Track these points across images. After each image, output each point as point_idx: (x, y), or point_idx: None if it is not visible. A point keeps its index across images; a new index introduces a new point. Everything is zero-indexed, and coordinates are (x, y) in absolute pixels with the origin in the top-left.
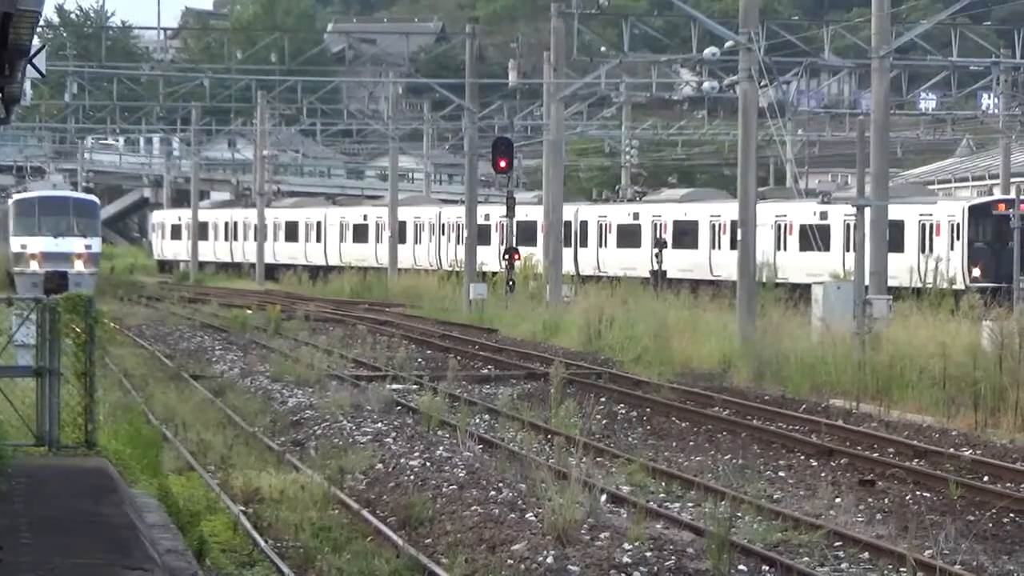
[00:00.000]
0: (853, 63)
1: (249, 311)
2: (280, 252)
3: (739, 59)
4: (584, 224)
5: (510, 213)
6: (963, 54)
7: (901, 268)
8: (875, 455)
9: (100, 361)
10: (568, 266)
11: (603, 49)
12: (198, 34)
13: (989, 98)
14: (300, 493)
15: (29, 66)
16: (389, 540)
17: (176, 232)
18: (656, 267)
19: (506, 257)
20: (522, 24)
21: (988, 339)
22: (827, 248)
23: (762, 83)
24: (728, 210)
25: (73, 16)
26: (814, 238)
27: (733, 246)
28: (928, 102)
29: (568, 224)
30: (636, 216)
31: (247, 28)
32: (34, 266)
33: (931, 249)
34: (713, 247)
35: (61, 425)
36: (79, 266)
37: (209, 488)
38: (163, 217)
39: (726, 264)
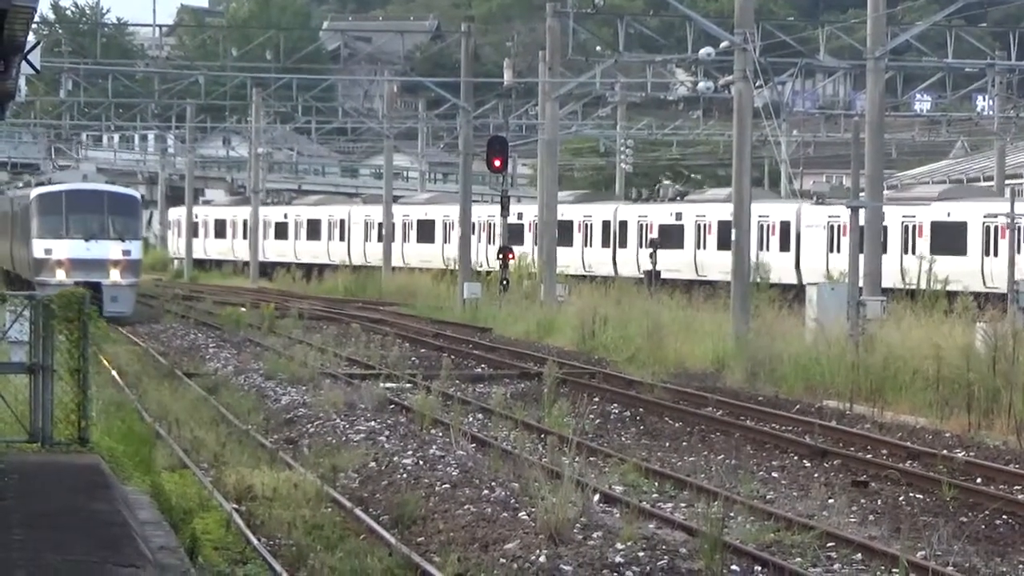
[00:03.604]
0: (848, 64)
1: (243, 309)
2: (302, 251)
3: (734, 59)
4: (624, 224)
5: (504, 212)
6: (958, 56)
7: (963, 272)
8: (868, 456)
9: (93, 358)
10: (607, 268)
11: (598, 49)
12: (193, 31)
13: (984, 100)
14: (293, 491)
15: (24, 62)
16: (382, 539)
17: (193, 230)
18: (651, 267)
19: (500, 256)
20: (517, 23)
21: (982, 341)
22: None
23: (757, 83)
24: (777, 210)
25: (68, 13)
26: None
27: (783, 248)
28: (923, 103)
29: (607, 224)
30: (679, 216)
31: (242, 25)
32: (61, 275)
33: (996, 252)
34: (761, 248)
35: (54, 422)
36: (115, 276)
37: (202, 486)
38: (180, 214)
39: (777, 267)
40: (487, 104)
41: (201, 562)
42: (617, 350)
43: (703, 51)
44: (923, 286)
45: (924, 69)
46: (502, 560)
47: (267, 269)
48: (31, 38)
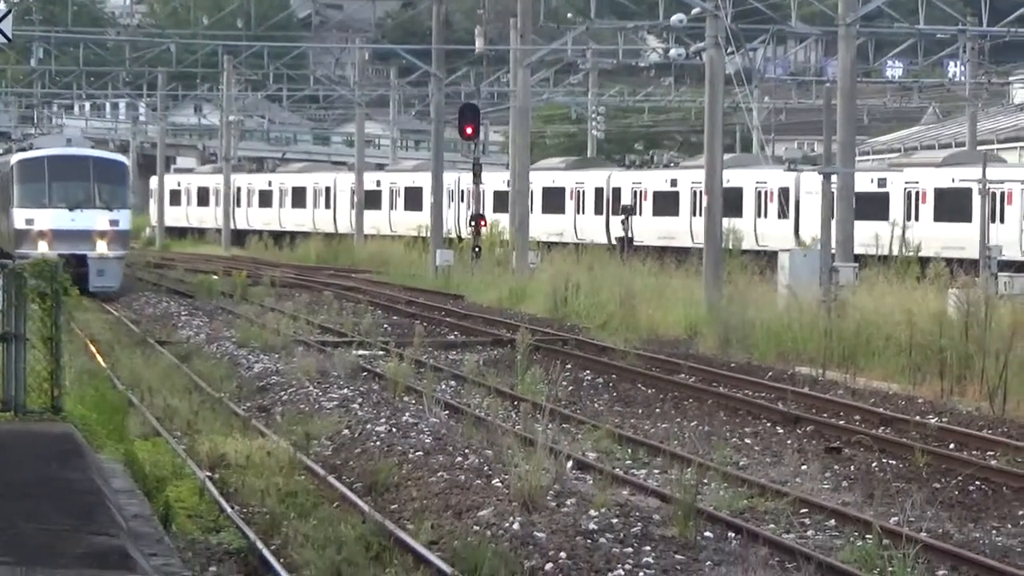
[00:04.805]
0: (820, 30)
1: (215, 276)
2: (287, 219)
3: (706, 26)
4: (617, 191)
5: (476, 180)
6: (930, 22)
7: (969, 239)
8: (841, 422)
9: (66, 326)
10: (600, 235)
11: (570, 15)
12: None
13: (955, 66)
14: (266, 459)
15: None
16: (355, 506)
17: (175, 198)
18: (623, 234)
19: (472, 223)
20: None
21: (954, 307)
22: (886, 217)
23: (729, 50)
24: (775, 176)
25: None
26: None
27: (781, 215)
28: (895, 70)
29: (600, 191)
30: (674, 183)
31: None
32: (43, 247)
33: (1002, 219)
34: (759, 215)
35: (27, 390)
36: (102, 247)
37: (175, 454)
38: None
39: (776, 234)
40: (458, 71)
41: (175, 530)
42: (589, 317)
43: (675, 18)
44: (918, 254)
45: (895, 35)
46: (476, 527)
47: (243, 237)
48: (2, 7)
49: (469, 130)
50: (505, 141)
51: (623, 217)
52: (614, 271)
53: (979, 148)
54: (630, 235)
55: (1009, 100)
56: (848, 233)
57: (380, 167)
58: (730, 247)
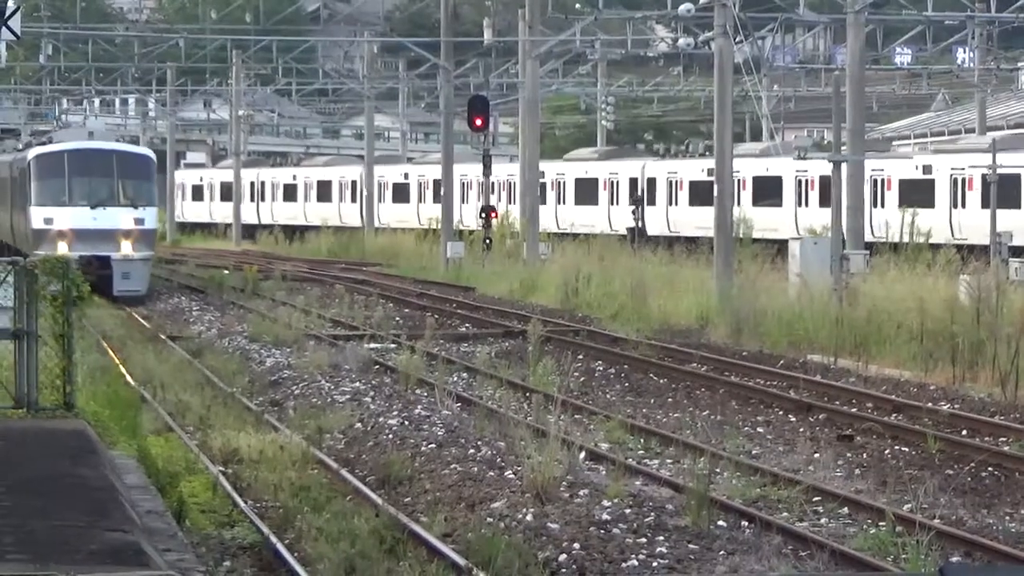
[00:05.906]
0: (828, 18)
1: (226, 271)
2: (311, 213)
3: (714, 15)
4: (652, 181)
5: (486, 172)
6: (938, 8)
7: (1017, 226)
8: (853, 410)
9: (77, 323)
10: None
11: (578, 6)
12: None
13: (964, 52)
14: (279, 453)
15: (4, 28)
16: (368, 499)
17: (198, 193)
18: (634, 223)
19: (483, 215)
20: None
21: (965, 293)
22: (932, 205)
23: (737, 39)
24: (816, 164)
25: None
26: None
27: (823, 203)
28: (903, 57)
29: (634, 181)
30: (710, 172)
31: None
32: (63, 248)
33: None
34: (799, 204)
35: (39, 387)
36: (126, 248)
37: (188, 449)
38: (183, 177)
39: (818, 222)
40: (467, 63)
41: (188, 525)
42: (601, 307)
43: (683, 7)
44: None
45: (904, 22)
46: (489, 519)
47: (264, 231)
48: (10, 4)
49: (479, 122)
50: (515, 132)
51: (633, 207)
52: (625, 261)
53: (988, 134)
54: (642, 225)
55: (1018, 86)
56: (859, 221)
57: (409, 160)
58: (740, 236)
